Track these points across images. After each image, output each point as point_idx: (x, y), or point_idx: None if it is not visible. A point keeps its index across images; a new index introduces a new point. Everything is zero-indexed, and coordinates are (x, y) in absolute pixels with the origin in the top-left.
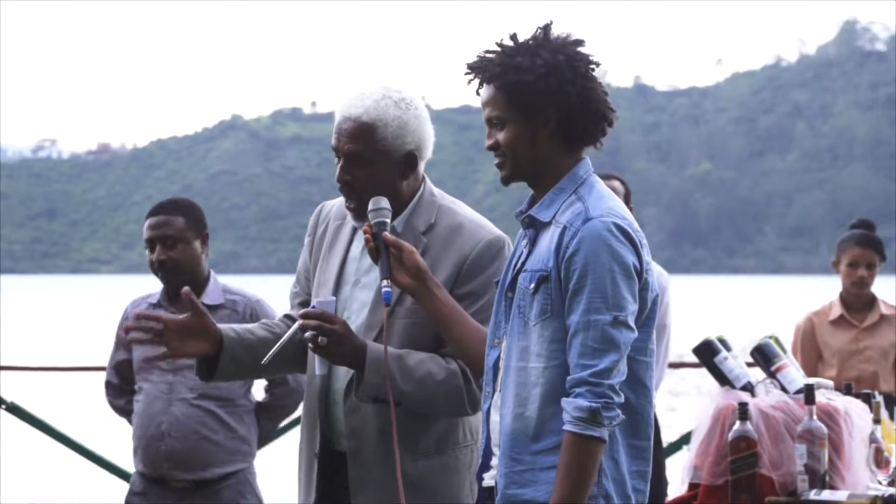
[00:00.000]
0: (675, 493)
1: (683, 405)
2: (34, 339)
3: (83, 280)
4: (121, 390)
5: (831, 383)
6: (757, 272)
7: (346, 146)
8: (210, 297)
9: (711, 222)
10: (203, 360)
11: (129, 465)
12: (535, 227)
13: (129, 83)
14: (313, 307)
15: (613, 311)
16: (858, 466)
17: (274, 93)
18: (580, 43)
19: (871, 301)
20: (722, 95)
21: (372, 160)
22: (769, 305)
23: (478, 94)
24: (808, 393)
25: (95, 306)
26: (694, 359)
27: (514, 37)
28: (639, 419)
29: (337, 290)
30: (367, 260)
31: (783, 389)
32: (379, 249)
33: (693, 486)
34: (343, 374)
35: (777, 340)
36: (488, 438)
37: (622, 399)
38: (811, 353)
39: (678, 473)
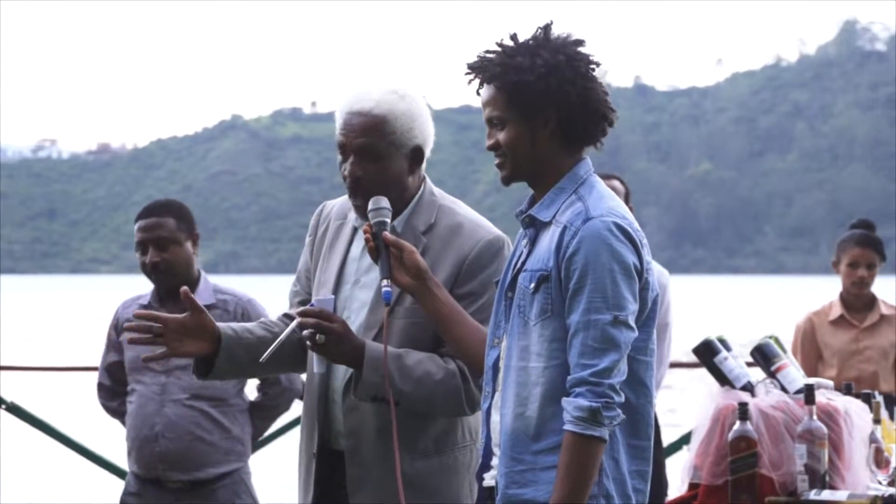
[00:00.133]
0: (676, 493)
1: (682, 405)
2: (34, 339)
3: (83, 280)
4: (113, 392)
5: (831, 383)
6: (757, 272)
7: (358, 140)
8: (201, 297)
9: (711, 222)
10: (200, 359)
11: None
12: (535, 227)
13: (129, 83)
14: (312, 305)
15: (614, 310)
16: (858, 466)
17: (274, 93)
18: (580, 43)
19: (871, 301)
20: (722, 95)
21: (383, 154)
22: (769, 305)
23: (478, 94)
24: (808, 393)
25: (95, 306)
26: (693, 359)
27: (514, 37)
28: (639, 419)
29: (337, 289)
30: (367, 260)
31: (783, 389)
32: (379, 249)
33: (693, 486)
34: (342, 373)
35: (777, 340)
36: (488, 438)
37: (622, 399)
38: (811, 353)
39: (678, 473)
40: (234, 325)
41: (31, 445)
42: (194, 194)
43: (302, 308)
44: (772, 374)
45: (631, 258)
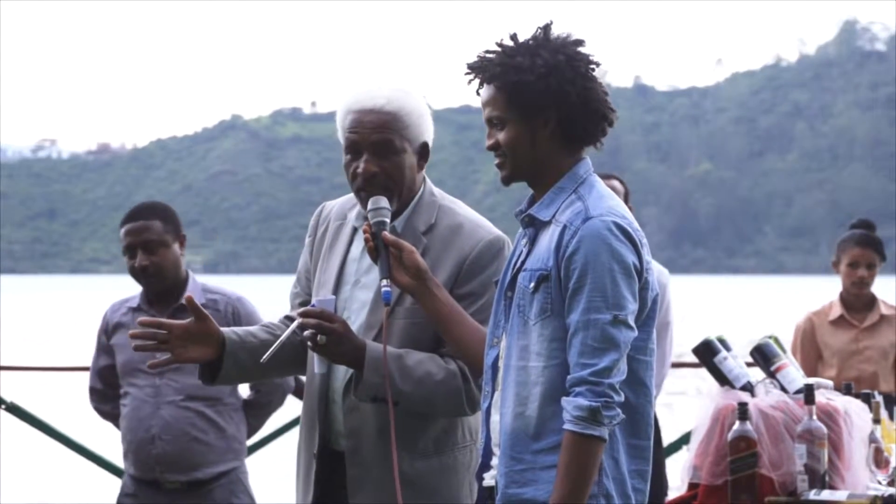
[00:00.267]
0: (675, 493)
1: (682, 405)
2: (34, 339)
3: (83, 280)
4: (106, 395)
5: (831, 383)
6: (757, 272)
7: (374, 136)
8: None
9: (711, 222)
10: (205, 365)
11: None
12: (534, 227)
13: (129, 83)
14: (313, 306)
15: (613, 310)
16: (858, 466)
17: (274, 93)
18: (580, 43)
19: (871, 301)
20: (722, 95)
21: (398, 149)
22: (769, 305)
23: (478, 94)
24: (808, 393)
25: (95, 306)
26: (693, 358)
27: (514, 37)
28: (639, 418)
29: (337, 290)
30: (367, 260)
31: (783, 389)
32: (378, 249)
33: (693, 486)
34: (342, 373)
35: (777, 340)
36: (488, 438)
37: (622, 398)
38: (811, 353)
39: (678, 473)
40: (238, 329)
41: (31, 445)
42: (194, 194)
43: (303, 309)
44: (771, 374)
45: (631, 258)
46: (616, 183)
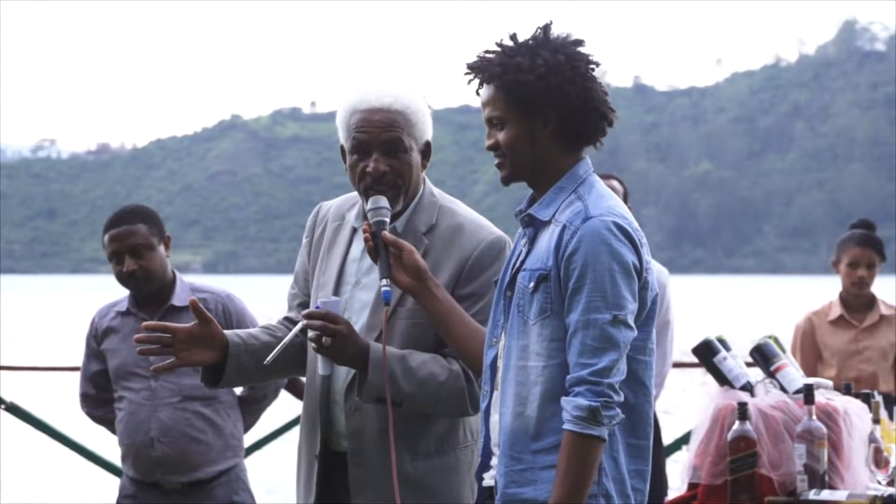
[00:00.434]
0: (675, 493)
1: (680, 405)
2: (34, 339)
3: (83, 280)
4: (99, 400)
5: (830, 383)
6: (756, 272)
7: (384, 135)
8: (179, 298)
9: (711, 222)
10: (207, 368)
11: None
12: (534, 226)
13: (129, 83)
14: (317, 307)
15: (613, 309)
16: (858, 466)
17: (274, 93)
18: (580, 43)
19: (871, 301)
20: (722, 95)
21: (407, 147)
22: (769, 305)
23: (478, 94)
24: (808, 393)
25: (95, 306)
26: (693, 358)
27: (514, 37)
28: (638, 418)
29: (337, 291)
30: (368, 261)
31: (782, 389)
32: (378, 249)
33: (692, 486)
34: (343, 374)
35: (776, 340)
36: (487, 438)
37: (622, 398)
38: (811, 353)
39: (678, 473)
40: (240, 331)
41: (31, 445)
42: (194, 194)
43: (307, 311)
44: (771, 374)
45: (630, 257)
46: (615, 183)
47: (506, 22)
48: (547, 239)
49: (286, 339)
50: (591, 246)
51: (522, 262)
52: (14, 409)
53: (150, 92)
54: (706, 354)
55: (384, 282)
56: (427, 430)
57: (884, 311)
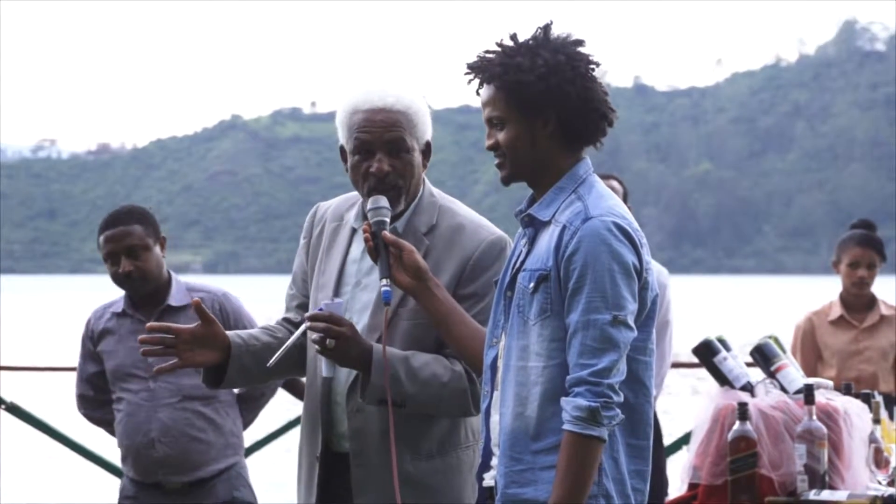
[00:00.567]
0: (676, 493)
1: (680, 405)
2: (34, 339)
3: (83, 280)
4: (97, 402)
5: (831, 383)
6: (757, 272)
7: (388, 135)
8: (176, 298)
9: (711, 222)
10: (209, 369)
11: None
12: (534, 226)
13: (129, 83)
14: (320, 309)
15: (613, 310)
16: (858, 466)
17: (274, 93)
18: (580, 43)
19: (871, 301)
20: (722, 95)
21: (410, 147)
22: (769, 305)
23: (478, 94)
24: (808, 393)
25: (95, 306)
26: (693, 358)
27: (514, 37)
28: (638, 419)
29: (337, 291)
30: (368, 261)
31: (783, 389)
32: (378, 249)
33: (693, 486)
34: (344, 375)
35: (777, 340)
36: (488, 438)
37: (621, 398)
38: (811, 353)
39: (678, 473)
40: (241, 332)
41: (31, 445)
42: (194, 194)
43: (311, 313)
44: (771, 375)
45: (630, 258)
46: (615, 183)
47: (506, 22)
48: (547, 239)
49: (290, 341)
50: (591, 246)
51: (522, 263)
52: (14, 409)
53: (150, 92)
54: (706, 354)
55: (384, 282)
56: (429, 431)
57: (884, 311)
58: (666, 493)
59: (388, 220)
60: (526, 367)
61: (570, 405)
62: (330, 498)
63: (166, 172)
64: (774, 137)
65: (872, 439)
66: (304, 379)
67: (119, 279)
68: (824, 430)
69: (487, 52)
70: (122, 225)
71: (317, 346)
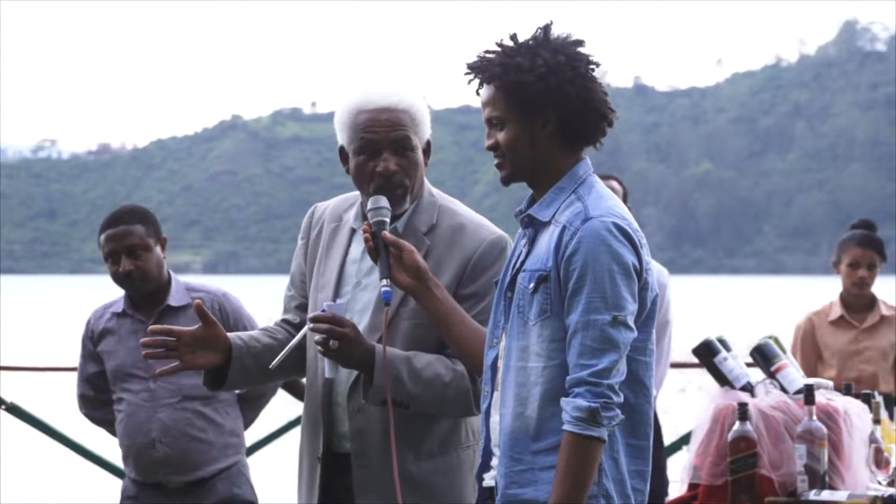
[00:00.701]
0: (676, 493)
1: (679, 405)
2: (34, 339)
3: (83, 280)
4: (98, 402)
5: (831, 384)
6: (757, 272)
7: (394, 134)
8: (175, 298)
9: (711, 222)
10: (210, 371)
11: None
12: (534, 227)
13: (129, 83)
14: (323, 311)
15: (613, 310)
16: (858, 467)
17: (274, 93)
18: (580, 43)
19: (872, 301)
20: (722, 95)
21: (414, 146)
22: (769, 305)
23: (478, 94)
24: (808, 393)
25: (95, 306)
26: (693, 359)
27: (514, 37)
28: (638, 419)
29: (337, 292)
30: (368, 262)
31: (783, 390)
32: (378, 249)
33: (693, 487)
34: (345, 376)
35: (777, 340)
36: (488, 438)
37: (621, 399)
38: (811, 353)
39: (678, 473)
40: (242, 334)
41: (31, 445)
42: (194, 194)
43: (314, 314)
44: (771, 375)
45: (630, 258)
46: (614, 184)
47: (506, 22)
48: (547, 239)
49: (292, 343)
50: (591, 247)
51: (522, 263)
52: (14, 410)
53: (150, 92)
54: (706, 355)
55: (384, 282)
56: (430, 431)
57: (884, 311)
58: (666, 494)
59: (388, 220)
60: (526, 368)
61: (570, 406)
62: (331, 498)
63: (166, 172)
64: (774, 137)
65: (872, 439)
66: (304, 380)
67: (119, 278)
68: (824, 430)
69: (487, 52)
70: (123, 224)
71: (319, 348)
